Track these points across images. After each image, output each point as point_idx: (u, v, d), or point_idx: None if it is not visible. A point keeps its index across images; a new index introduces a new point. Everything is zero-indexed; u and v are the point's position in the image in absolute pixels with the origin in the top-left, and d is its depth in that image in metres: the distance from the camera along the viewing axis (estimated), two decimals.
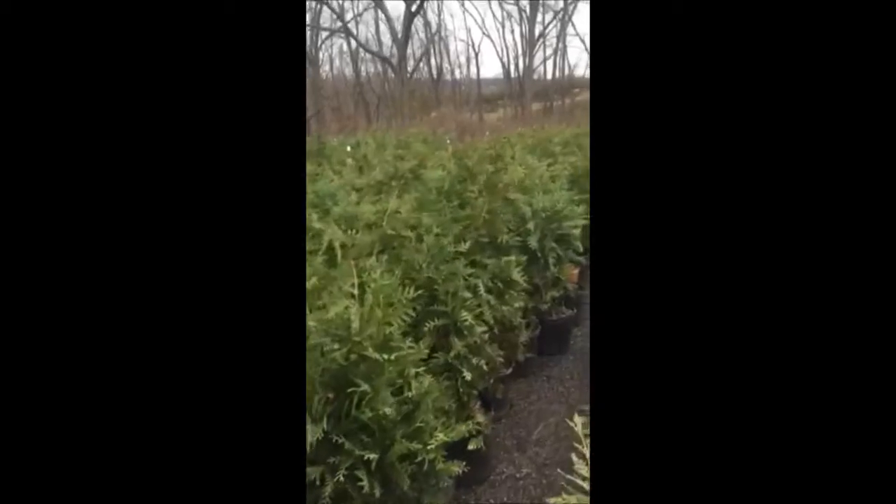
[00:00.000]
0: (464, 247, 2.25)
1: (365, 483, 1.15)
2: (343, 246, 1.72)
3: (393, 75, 17.18)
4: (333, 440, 1.19)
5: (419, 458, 1.26)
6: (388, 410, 1.24)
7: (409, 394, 1.35)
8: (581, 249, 3.79)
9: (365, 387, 1.25)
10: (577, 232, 3.53)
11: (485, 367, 2.23)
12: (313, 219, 1.85)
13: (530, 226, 3.20)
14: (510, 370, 2.67)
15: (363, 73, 19.11)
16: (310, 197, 2.70)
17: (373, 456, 1.18)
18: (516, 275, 2.65)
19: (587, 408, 1.72)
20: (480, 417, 2.25)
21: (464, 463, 1.38)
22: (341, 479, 1.15)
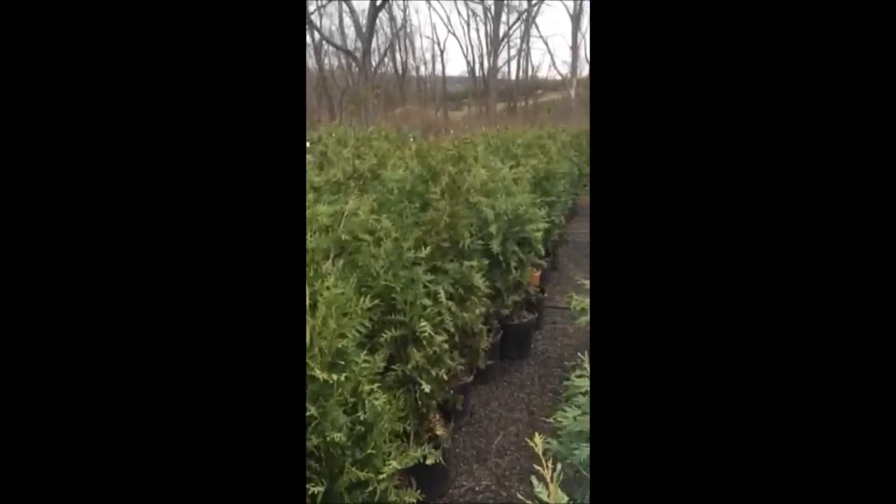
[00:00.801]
0: (424, 252, 2.17)
1: None
2: None
3: (357, 70, 16.86)
4: None
5: (370, 488, 1.16)
6: (337, 436, 1.14)
7: (362, 415, 1.26)
8: (542, 252, 3.78)
9: (312, 411, 1.15)
10: (538, 235, 3.52)
11: (445, 378, 2.15)
12: None
13: (492, 229, 3.15)
14: (472, 377, 2.61)
15: (326, 67, 18.68)
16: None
17: (319, 488, 1.07)
18: (478, 280, 2.59)
19: (549, 420, 1.67)
20: (440, 430, 2.17)
21: (418, 491, 1.30)
22: None
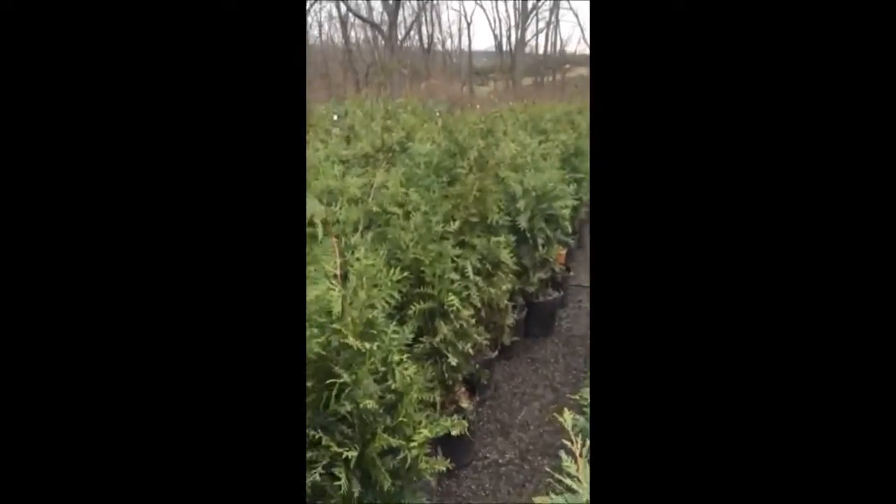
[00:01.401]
0: (453, 226, 2.16)
1: (343, 482, 1.08)
2: (325, 222, 1.61)
3: (383, 43, 16.65)
4: (311, 434, 1.10)
5: (401, 455, 1.19)
6: (370, 404, 1.15)
7: (393, 384, 1.27)
8: (569, 230, 3.72)
9: (345, 377, 1.16)
10: (566, 212, 3.46)
11: (470, 352, 2.16)
12: None
13: (520, 205, 3.11)
14: (496, 353, 2.62)
15: (352, 40, 18.50)
16: None
17: (353, 452, 1.10)
18: (505, 256, 2.57)
19: (575, 396, 1.67)
20: (465, 402, 2.20)
21: (448, 459, 1.32)
22: (317, 477, 1.07)
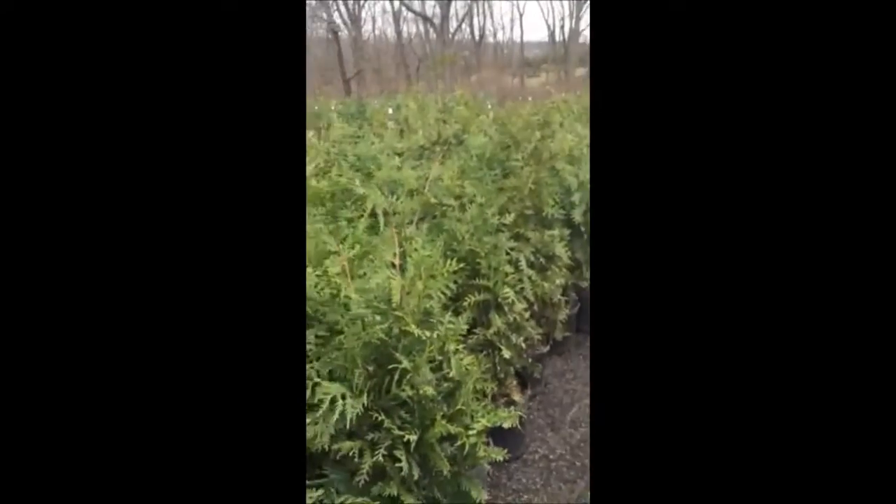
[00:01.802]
0: (508, 219, 2.15)
1: (404, 464, 1.11)
2: (386, 213, 1.65)
3: (434, 36, 16.70)
4: (374, 416, 1.14)
5: (459, 442, 1.20)
6: (428, 390, 1.18)
7: (450, 372, 1.29)
8: None
9: (405, 363, 1.19)
10: None
11: (523, 345, 2.16)
12: (356, 183, 1.78)
13: (575, 198, 3.05)
14: (548, 348, 2.60)
15: (405, 34, 18.65)
16: (351, 160, 2.63)
17: (413, 436, 1.13)
18: (560, 249, 2.53)
19: None
20: (516, 395, 2.19)
21: (505, 449, 1.33)
22: (381, 458, 1.11)
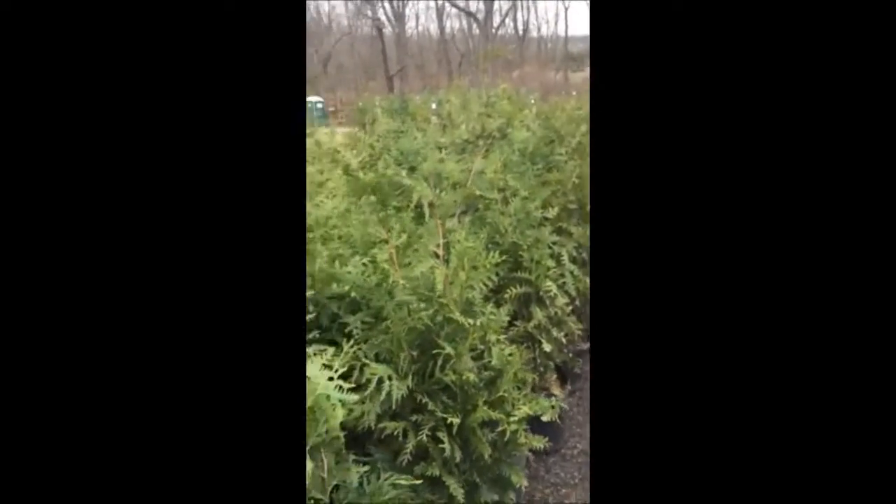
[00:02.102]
0: (551, 213, 2.14)
1: (446, 445, 1.14)
2: (431, 204, 1.68)
3: (477, 31, 16.63)
4: (417, 399, 1.18)
5: (500, 428, 1.23)
6: (471, 376, 1.21)
7: (492, 361, 1.31)
8: None
9: (449, 349, 1.23)
10: None
11: (563, 340, 2.15)
12: (402, 174, 1.82)
13: None
14: (587, 344, 2.57)
15: (447, 30, 18.67)
16: (394, 154, 2.68)
17: (456, 419, 1.16)
18: None
19: None
20: (555, 389, 2.19)
21: (546, 438, 1.34)
22: (424, 438, 1.15)
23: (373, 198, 1.96)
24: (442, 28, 18.15)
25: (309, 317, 1.30)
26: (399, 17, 16.28)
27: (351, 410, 1.12)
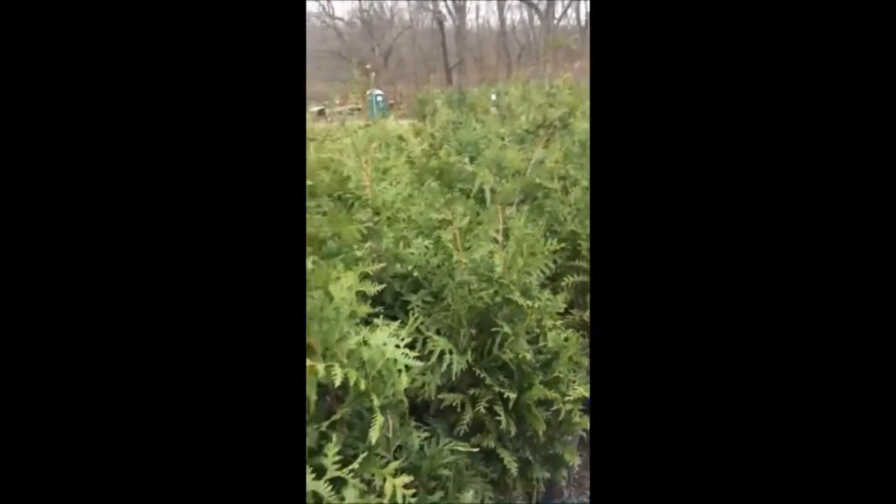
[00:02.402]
0: None
1: (503, 419, 1.19)
2: (493, 190, 1.73)
3: (538, 22, 16.37)
4: (476, 373, 1.24)
5: (555, 407, 1.26)
6: (527, 355, 1.24)
7: (548, 343, 1.34)
8: None
9: (507, 329, 1.27)
10: None
11: None
12: (465, 161, 1.87)
13: None
14: None
15: (508, 22, 18.49)
16: (453, 145, 2.74)
17: (512, 394, 1.20)
18: None
19: None
20: None
21: None
22: (482, 410, 1.20)
23: (434, 184, 2.03)
24: (502, 20, 18.01)
25: (374, 293, 1.38)
26: (460, 10, 16.30)
27: (413, 380, 1.20)
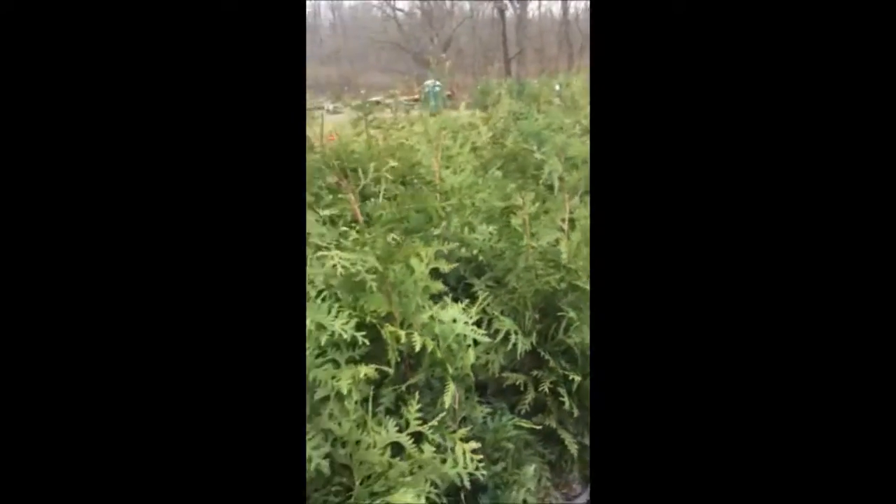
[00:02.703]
0: None
1: (566, 400, 1.22)
2: (561, 178, 1.74)
3: None
4: (540, 355, 1.27)
5: None
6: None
7: None
8: None
9: (572, 314, 1.29)
10: None
11: None
12: (534, 149, 1.89)
13: None
14: None
15: (571, 11, 18.03)
16: (514, 136, 2.75)
17: (577, 377, 1.23)
18: None
19: None
20: None
21: None
22: (545, 391, 1.23)
23: (498, 173, 2.06)
24: (565, 9, 17.57)
25: (443, 272, 1.44)
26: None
27: (477, 357, 1.24)
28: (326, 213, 1.14)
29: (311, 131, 1.83)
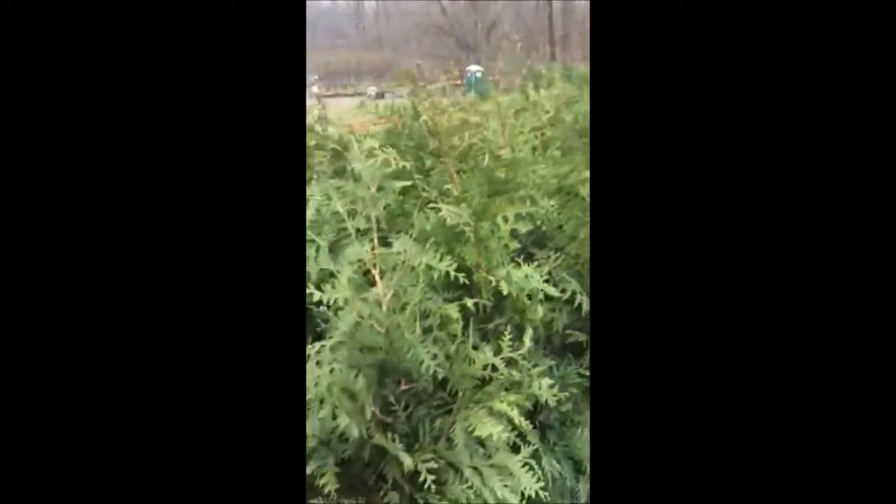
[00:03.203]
0: None
1: None
2: None
3: None
4: (574, 336, 1.38)
5: None
6: None
7: None
8: None
9: None
10: None
11: None
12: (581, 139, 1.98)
13: None
14: None
15: None
16: (568, 119, 2.82)
17: None
18: None
19: None
20: None
21: None
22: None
23: (557, 152, 2.16)
24: None
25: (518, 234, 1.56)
26: None
27: (544, 314, 1.37)
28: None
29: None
